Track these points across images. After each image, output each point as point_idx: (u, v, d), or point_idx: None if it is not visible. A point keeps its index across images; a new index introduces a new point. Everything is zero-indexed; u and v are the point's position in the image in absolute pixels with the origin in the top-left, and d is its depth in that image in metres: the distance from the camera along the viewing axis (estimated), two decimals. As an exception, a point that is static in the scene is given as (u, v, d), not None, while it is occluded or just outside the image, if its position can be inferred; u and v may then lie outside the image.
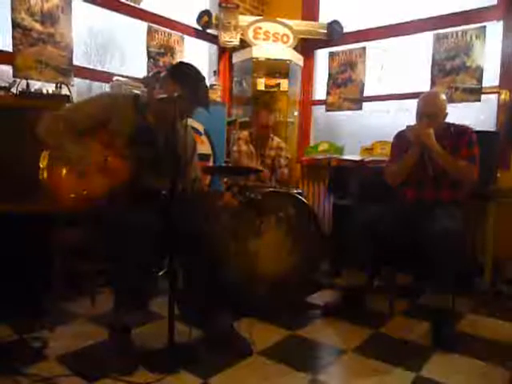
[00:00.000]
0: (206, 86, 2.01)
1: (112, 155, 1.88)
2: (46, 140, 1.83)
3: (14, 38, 2.68)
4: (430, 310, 2.17)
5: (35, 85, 2.63)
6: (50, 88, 2.62)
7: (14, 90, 2.46)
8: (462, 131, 2.38)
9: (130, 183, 1.86)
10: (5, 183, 2.13)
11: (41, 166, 1.82)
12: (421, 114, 2.37)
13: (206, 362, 1.81)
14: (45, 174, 1.82)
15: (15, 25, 2.67)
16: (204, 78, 1.98)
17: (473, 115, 3.29)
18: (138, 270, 1.72)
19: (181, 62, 2.09)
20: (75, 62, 2.99)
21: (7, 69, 2.68)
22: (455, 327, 2.15)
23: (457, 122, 2.45)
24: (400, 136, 2.59)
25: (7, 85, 2.45)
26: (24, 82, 2.52)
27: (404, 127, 2.49)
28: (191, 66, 1.96)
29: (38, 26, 2.77)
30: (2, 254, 2.13)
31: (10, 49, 2.68)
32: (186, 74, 1.93)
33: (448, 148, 2.30)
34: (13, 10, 2.66)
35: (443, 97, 2.41)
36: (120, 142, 1.89)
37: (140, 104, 1.99)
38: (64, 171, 1.83)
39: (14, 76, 2.65)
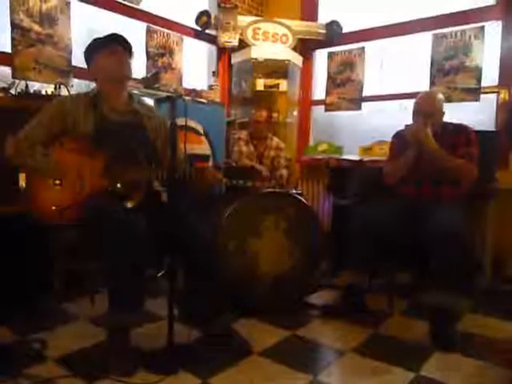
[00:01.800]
0: (111, 34, 1.98)
1: (83, 158, 1.87)
2: (14, 162, 1.84)
3: (12, 38, 2.67)
4: (430, 310, 2.17)
5: (34, 86, 2.62)
6: (49, 89, 2.62)
7: (12, 90, 2.46)
8: (459, 130, 2.38)
9: (108, 183, 1.86)
10: (3, 183, 2.13)
11: (20, 181, 1.85)
12: (417, 113, 2.38)
13: (205, 363, 1.80)
14: (26, 191, 1.85)
15: (14, 26, 2.67)
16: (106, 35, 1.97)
17: (472, 115, 3.29)
18: (129, 271, 1.70)
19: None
20: (74, 62, 2.99)
21: (6, 70, 2.68)
22: (455, 326, 2.15)
23: (455, 122, 2.45)
24: (399, 135, 2.60)
25: (6, 86, 2.45)
26: (23, 82, 2.52)
27: (403, 127, 2.49)
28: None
29: (36, 27, 2.77)
30: (0, 255, 2.13)
31: (8, 50, 2.68)
32: (93, 47, 1.97)
33: (446, 146, 2.30)
34: (11, 10, 2.66)
35: (440, 96, 2.42)
36: (85, 143, 1.87)
37: (92, 99, 1.96)
38: (41, 186, 1.85)
39: (12, 77, 2.65)
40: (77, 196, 1.84)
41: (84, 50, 1.99)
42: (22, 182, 1.86)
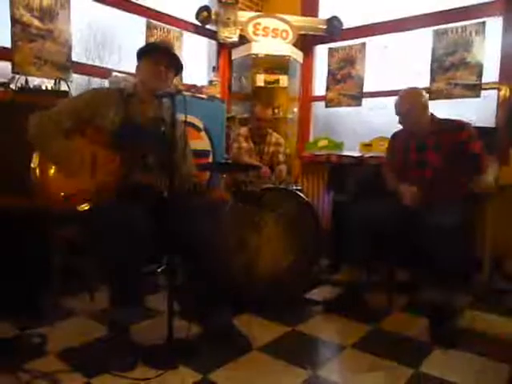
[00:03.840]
0: (171, 48, 2.05)
1: (101, 152, 1.87)
2: (34, 141, 1.84)
3: (12, 33, 2.67)
4: (429, 306, 2.17)
5: (34, 81, 2.62)
6: (48, 84, 2.62)
7: (12, 85, 2.46)
8: (459, 126, 2.35)
9: (120, 179, 1.86)
10: (3, 178, 2.13)
11: (32, 165, 1.83)
12: (397, 114, 2.41)
13: (205, 358, 1.81)
14: (36, 174, 1.83)
15: (14, 21, 2.66)
16: (165, 43, 2.04)
17: (472, 111, 3.28)
18: (130, 267, 1.71)
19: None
20: (74, 57, 2.98)
21: (6, 65, 2.67)
22: (454, 323, 2.15)
23: (453, 118, 2.43)
24: (395, 136, 2.61)
25: (6, 81, 2.44)
26: (23, 77, 2.52)
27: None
28: (149, 43, 2.01)
29: (36, 22, 2.76)
30: (1, 250, 2.13)
31: (8, 45, 2.67)
32: (147, 47, 2.04)
33: (446, 144, 2.30)
34: (12, 5, 2.65)
35: (417, 91, 2.41)
36: (108, 137, 1.88)
37: (125, 97, 1.97)
38: (53, 171, 1.84)
39: (12, 72, 2.64)
40: (88, 186, 1.83)
41: (139, 49, 2.02)
42: (34, 165, 1.83)
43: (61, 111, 1.87)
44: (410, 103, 2.36)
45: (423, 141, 2.38)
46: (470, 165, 2.29)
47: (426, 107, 2.38)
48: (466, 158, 2.28)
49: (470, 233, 2.29)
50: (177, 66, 2.03)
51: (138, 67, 2.01)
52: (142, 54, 1.99)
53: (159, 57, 1.95)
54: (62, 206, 1.83)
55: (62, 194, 1.81)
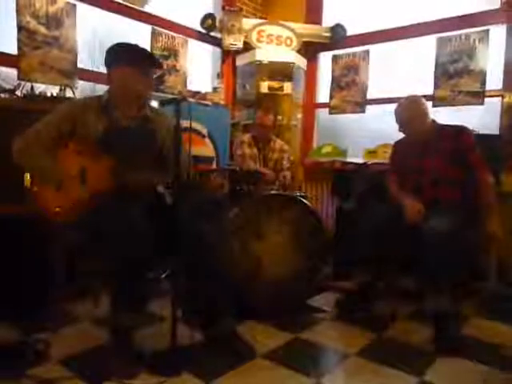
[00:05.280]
0: (138, 47, 1.95)
1: (89, 161, 1.87)
2: (19, 162, 1.86)
3: (19, 40, 2.70)
4: (433, 314, 2.15)
5: (40, 87, 2.64)
6: (54, 90, 2.64)
7: (18, 92, 2.48)
8: (459, 132, 2.33)
9: (111, 184, 1.86)
10: (9, 184, 2.14)
11: (26, 184, 1.87)
12: (397, 122, 2.41)
13: (208, 365, 1.80)
14: (31, 189, 1.87)
15: (20, 28, 2.69)
16: (129, 44, 1.95)
17: (476, 118, 3.28)
18: (132, 272, 1.71)
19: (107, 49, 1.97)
20: (79, 64, 3.01)
21: (12, 71, 2.70)
22: (459, 331, 2.14)
23: (452, 124, 2.41)
24: (398, 144, 2.60)
25: (12, 87, 2.47)
26: (29, 84, 2.54)
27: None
28: (114, 44, 1.93)
29: (43, 29, 2.79)
30: (4, 256, 2.14)
31: (15, 52, 2.70)
32: (114, 52, 1.93)
33: (448, 151, 2.29)
34: (18, 13, 2.68)
35: (417, 99, 2.39)
36: (93, 145, 1.88)
37: (104, 104, 1.95)
38: (44, 187, 1.87)
39: (18, 78, 2.67)
40: (79, 197, 1.84)
41: (106, 51, 1.94)
42: (27, 183, 1.88)
43: (39, 130, 1.86)
44: (409, 111, 2.36)
45: (424, 147, 2.37)
46: (470, 176, 2.28)
47: (426, 115, 2.38)
48: (466, 167, 2.27)
49: (473, 239, 2.26)
50: (154, 64, 1.98)
51: (110, 75, 1.94)
52: (114, 59, 1.92)
53: (133, 60, 1.88)
54: (59, 219, 1.85)
55: (57, 209, 1.83)
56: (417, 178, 2.36)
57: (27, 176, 1.89)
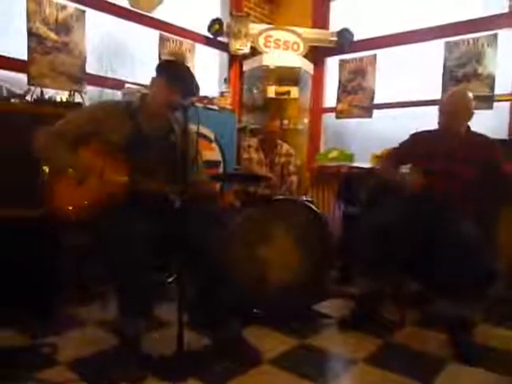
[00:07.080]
0: (191, 74, 1.97)
1: (107, 165, 1.88)
2: (41, 155, 1.88)
3: (29, 46, 2.73)
4: (447, 320, 2.12)
5: (49, 92, 2.67)
6: (63, 96, 2.66)
7: (28, 97, 2.50)
8: (493, 144, 2.30)
9: (127, 191, 1.87)
10: (18, 188, 2.16)
11: (42, 178, 1.88)
12: (441, 113, 2.29)
13: (214, 370, 1.80)
14: (47, 186, 1.88)
15: (30, 34, 2.73)
16: (187, 68, 1.99)
17: (485, 123, 3.26)
18: (139, 276, 1.72)
19: (164, 60, 2.05)
20: (88, 69, 3.03)
21: (22, 77, 2.73)
22: (472, 338, 2.09)
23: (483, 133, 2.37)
24: (416, 136, 2.48)
25: (22, 92, 2.49)
26: (38, 89, 2.57)
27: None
28: (172, 60, 1.95)
29: (52, 35, 2.82)
30: (11, 260, 2.15)
31: (25, 57, 2.73)
32: (167, 66, 2.00)
33: (478, 159, 2.23)
34: (28, 19, 2.71)
35: (468, 96, 2.30)
36: (114, 150, 1.89)
37: (132, 110, 1.98)
38: (61, 184, 1.87)
39: (28, 84, 2.70)
40: (94, 199, 1.84)
41: (159, 63, 2.01)
42: (45, 176, 1.88)
43: (65, 124, 1.90)
44: (458, 104, 2.27)
45: (454, 150, 2.26)
46: (502, 187, 2.26)
47: (471, 116, 2.29)
48: (498, 179, 2.25)
49: (486, 242, 2.22)
50: (190, 93, 1.98)
51: (153, 80, 1.98)
52: (162, 74, 1.94)
53: (175, 81, 1.89)
54: (72, 218, 1.86)
55: (70, 207, 1.84)
56: (444, 182, 2.23)
57: (45, 170, 1.89)
